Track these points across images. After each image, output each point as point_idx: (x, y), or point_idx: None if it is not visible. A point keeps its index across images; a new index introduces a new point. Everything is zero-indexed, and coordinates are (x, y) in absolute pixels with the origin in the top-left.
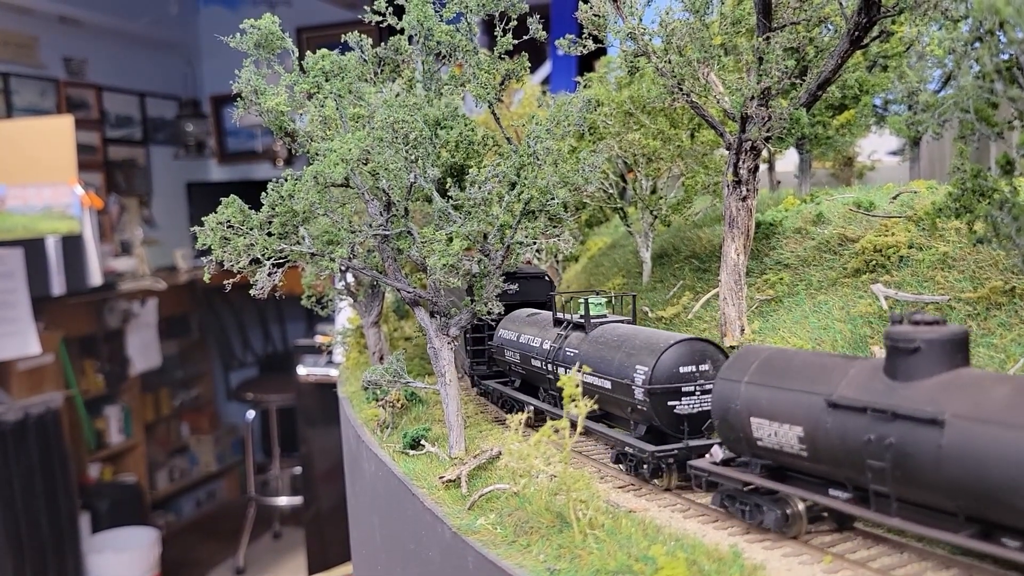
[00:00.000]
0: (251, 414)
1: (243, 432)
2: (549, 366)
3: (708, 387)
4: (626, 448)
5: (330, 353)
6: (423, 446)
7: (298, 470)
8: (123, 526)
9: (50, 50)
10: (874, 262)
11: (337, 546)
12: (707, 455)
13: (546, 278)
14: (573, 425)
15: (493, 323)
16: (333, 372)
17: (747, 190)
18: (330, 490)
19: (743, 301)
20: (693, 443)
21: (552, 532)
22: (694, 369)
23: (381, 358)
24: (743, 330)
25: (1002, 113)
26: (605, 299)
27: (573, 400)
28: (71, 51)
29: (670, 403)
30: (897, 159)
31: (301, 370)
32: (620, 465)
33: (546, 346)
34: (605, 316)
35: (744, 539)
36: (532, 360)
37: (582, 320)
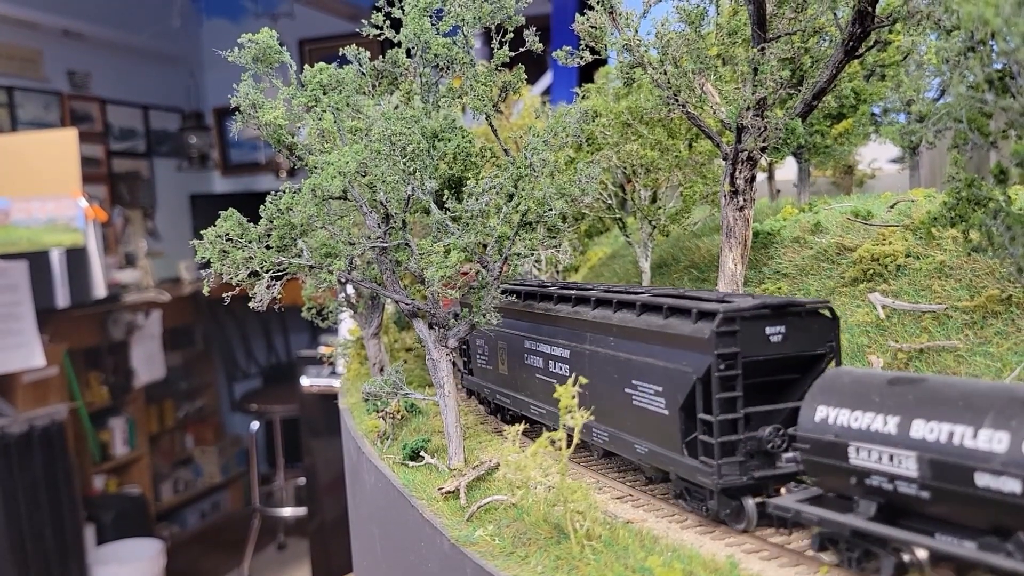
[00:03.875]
0: (255, 425)
1: (247, 443)
2: None
3: None
4: None
5: (332, 364)
6: (422, 457)
7: (302, 481)
8: (128, 538)
9: (54, 63)
10: (871, 271)
11: (341, 557)
12: None
13: (826, 312)
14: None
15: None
16: (336, 383)
17: (744, 200)
18: (334, 501)
19: None
20: None
21: (550, 543)
22: None
23: (381, 369)
24: None
25: (997, 122)
26: None
27: (569, 411)
28: (75, 64)
29: None
30: (898, 167)
31: (304, 381)
32: None
33: None
34: None
35: (741, 550)
36: (976, 475)
37: None
